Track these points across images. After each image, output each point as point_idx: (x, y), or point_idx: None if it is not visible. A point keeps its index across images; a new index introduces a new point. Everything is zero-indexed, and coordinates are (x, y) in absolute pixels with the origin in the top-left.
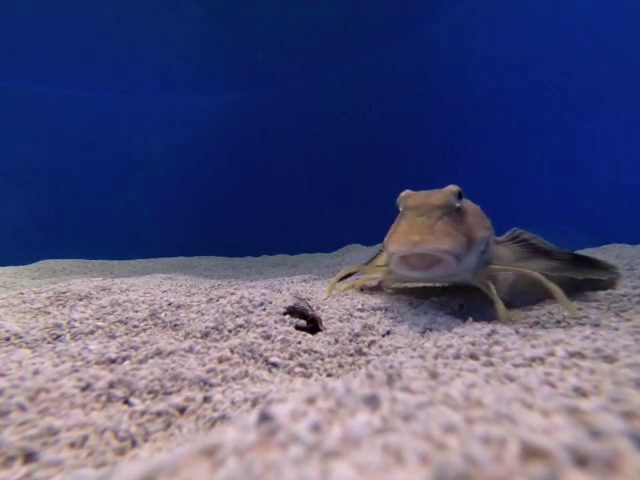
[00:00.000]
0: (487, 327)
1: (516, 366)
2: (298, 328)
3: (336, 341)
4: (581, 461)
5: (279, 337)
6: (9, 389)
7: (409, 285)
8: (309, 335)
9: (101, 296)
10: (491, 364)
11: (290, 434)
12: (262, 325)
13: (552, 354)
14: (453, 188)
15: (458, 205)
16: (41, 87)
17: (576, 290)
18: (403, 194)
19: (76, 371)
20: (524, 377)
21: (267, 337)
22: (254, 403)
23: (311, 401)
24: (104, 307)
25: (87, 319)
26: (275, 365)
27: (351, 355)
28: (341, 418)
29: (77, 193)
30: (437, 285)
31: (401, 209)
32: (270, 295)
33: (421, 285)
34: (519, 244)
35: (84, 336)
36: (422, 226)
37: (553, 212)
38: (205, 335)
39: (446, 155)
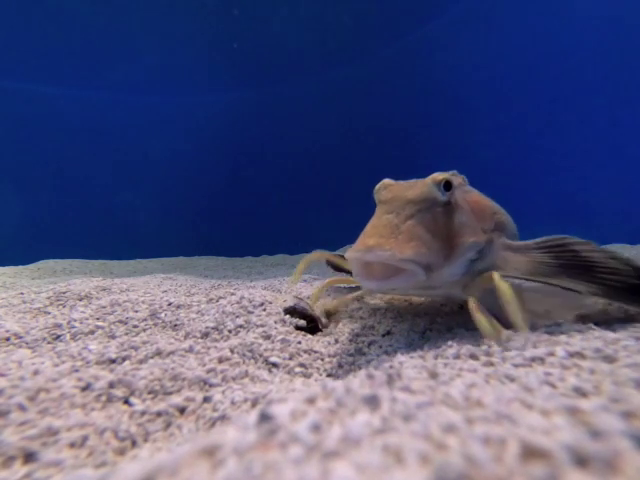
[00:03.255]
0: None
1: (516, 366)
2: (298, 328)
3: (336, 341)
4: (581, 461)
5: (279, 337)
6: (9, 389)
7: None
8: (309, 335)
9: (101, 296)
10: (491, 364)
11: (290, 434)
12: (262, 325)
13: (552, 354)
14: (437, 177)
15: (445, 199)
16: (41, 87)
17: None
18: (379, 184)
19: (76, 371)
20: (524, 377)
21: (267, 337)
22: (254, 403)
23: (311, 401)
24: (104, 307)
25: (87, 319)
26: (275, 365)
27: (351, 355)
28: (341, 418)
29: (77, 193)
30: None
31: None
32: (270, 295)
33: None
34: (554, 254)
35: (84, 336)
36: (385, 227)
37: (553, 212)
38: (205, 335)
39: (445, 154)
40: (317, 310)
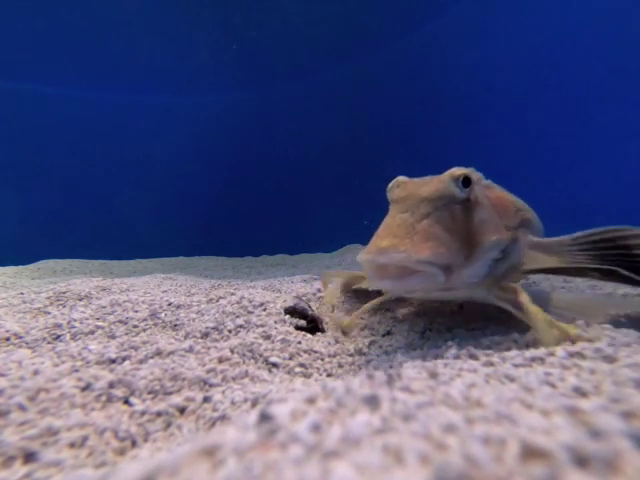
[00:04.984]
0: (487, 327)
1: (516, 366)
2: (298, 328)
3: (336, 341)
4: (581, 461)
5: (279, 337)
6: (9, 389)
7: None
8: (309, 335)
9: (101, 296)
10: (491, 364)
11: (290, 434)
12: (262, 325)
13: (552, 354)
14: (455, 172)
15: (464, 196)
16: (42, 87)
17: None
18: (393, 182)
19: (76, 371)
20: (524, 377)
21: (267, 337)
22: (254, 403)
23: (311, 401)
24: (104, 307)
25: (87, 319)
26: (275, 365)
27: (351, 355)
28: (341, 418)
29: (77, 193)
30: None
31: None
32: (270, 295)
33: None
34: (597, 253)
35: (84, 336)
36: (399, 227)
37: (552, 211)
38: (205, 335)
39: (446, 154)
40: (329, 319)
